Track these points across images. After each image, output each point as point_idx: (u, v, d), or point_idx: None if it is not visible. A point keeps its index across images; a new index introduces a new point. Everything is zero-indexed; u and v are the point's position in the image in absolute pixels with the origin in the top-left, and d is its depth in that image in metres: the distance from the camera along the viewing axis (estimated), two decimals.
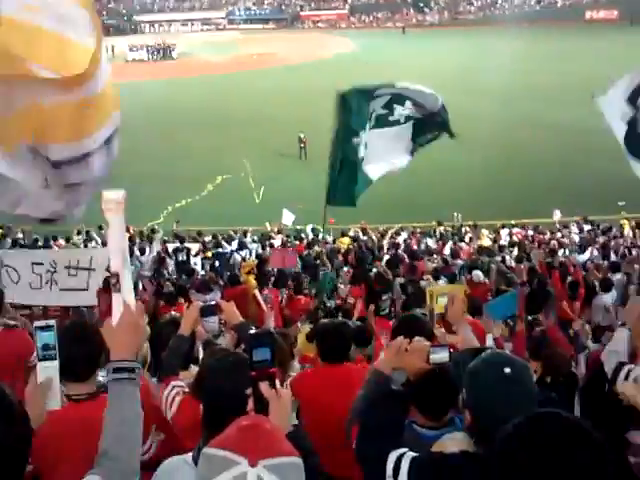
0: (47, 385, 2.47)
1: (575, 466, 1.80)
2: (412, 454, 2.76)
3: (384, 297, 10.15)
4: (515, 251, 17.87)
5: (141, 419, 2.39)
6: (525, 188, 27.52)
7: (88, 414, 3.08)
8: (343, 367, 5.00)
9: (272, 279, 13.21)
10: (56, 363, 2.53)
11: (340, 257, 17.04)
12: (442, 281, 12.41)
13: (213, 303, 4.38)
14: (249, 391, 2.55)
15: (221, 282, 13.39)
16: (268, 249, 18.49)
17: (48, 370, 2.51)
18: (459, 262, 15.57)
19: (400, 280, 12.08)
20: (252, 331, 3.81)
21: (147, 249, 17.88)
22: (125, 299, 2.50)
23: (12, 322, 6.17)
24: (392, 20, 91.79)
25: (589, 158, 30.24)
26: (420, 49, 67.80)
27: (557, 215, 22.70)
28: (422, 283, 11.56)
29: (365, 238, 20.66)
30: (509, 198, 26.35)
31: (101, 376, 3.67)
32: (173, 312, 8.63)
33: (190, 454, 2.79)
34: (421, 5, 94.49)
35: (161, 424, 4.05)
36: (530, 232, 21.83)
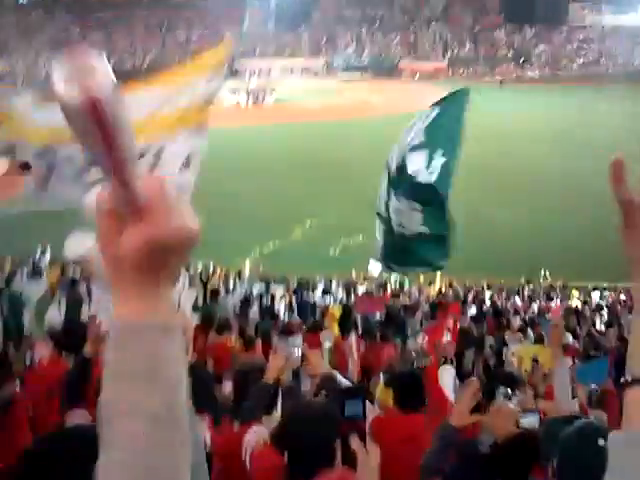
0: None
1: None
2: None
3: (466, 352, 10.02)
4: (605, 315, 17.39)
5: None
6: (621, 250, 26.84)
7: None
8: (420, 416, 4.91)
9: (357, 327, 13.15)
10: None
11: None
12: (528, 341, 12.14)
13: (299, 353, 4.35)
14: (337, 445, 2.50)
15: (304, 328, 13.38)
16: (352, 297, 18.48)
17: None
18: (547, 322, 15.21)
19: (490, 339, 11.85)
20: (342, 383, 3.76)
21: (232, 290, 18.08)
22: None
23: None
24: (491, 74, 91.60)
25: None
26: (517, 103, 67.22)
27: None
28: (508, 341, 11.34)
29: (450, 291, 20.48)
30: (602, 260, 25.77)
31: None
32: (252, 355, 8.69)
33: None
34: (521, 60, 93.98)
35: (236, 468, 4.02)
36: (622, 296, 21.23)
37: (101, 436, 1.11)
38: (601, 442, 2.52)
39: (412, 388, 5.09)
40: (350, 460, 2.46)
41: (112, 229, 1.11)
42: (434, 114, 8.92)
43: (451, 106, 9.17)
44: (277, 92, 76.81)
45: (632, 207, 1.41)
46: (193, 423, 1.90)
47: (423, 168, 8.48)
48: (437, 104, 9.26)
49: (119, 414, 1.08)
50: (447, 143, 8.71)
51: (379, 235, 9.40)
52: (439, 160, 8.46)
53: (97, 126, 0.96)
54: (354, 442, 2.46)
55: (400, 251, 9.25)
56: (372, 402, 5.99)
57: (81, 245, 1.90)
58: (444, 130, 8.78)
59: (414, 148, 8.67)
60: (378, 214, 9.47)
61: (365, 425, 2.54)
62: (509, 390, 3.10)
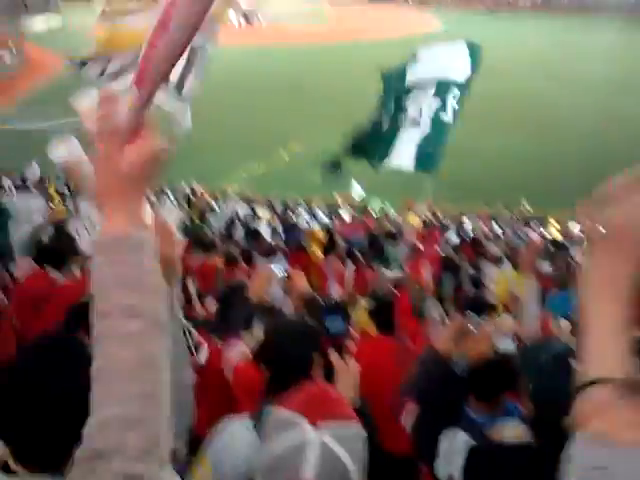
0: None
1: None
2: (467, 438, 2.75)
3: (445, 280, 10.13)
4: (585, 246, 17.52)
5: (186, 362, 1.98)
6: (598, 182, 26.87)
7: None
8: (390, 339, 5.03)
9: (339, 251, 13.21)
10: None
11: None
12: (507, 267, 12.23)
13: (283, 272, 4.41)
14: (317, 359, 2.56)
15: (287, 249, 13.44)
16: (335, 220, 18.51)
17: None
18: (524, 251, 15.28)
19: (467, 266, 11.96)
20: (324, 301, 3.82)
21: (218, 211, 18.07)
22: None
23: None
24: (483, 1, 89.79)
25: None
26: (508, 32, 66.23)
27: None
28: (484, 265, 11.44)
29: (431, 217, 20.54)
30: (584, 192, 25.77)
31: None
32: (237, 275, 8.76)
33: (250, 416, 2.81)
34: None
35: (221, 385, 4.11)
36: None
37: (96, 337, 1.26)
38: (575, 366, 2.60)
39: (384, 312, 5.21)
40: (330, 375, 2.53)
41: (114, 146, 1.31)
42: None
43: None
44: (266, 13, 75.20)
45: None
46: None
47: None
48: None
49: (115, 317, 1.24)
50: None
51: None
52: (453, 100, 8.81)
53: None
54: (333, 356, 2.52)
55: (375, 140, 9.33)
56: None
57: (65, 149, 1.91)
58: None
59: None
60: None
61: (345, 341, 2.60)
62: (477, 316, 3.16)
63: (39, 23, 53.70)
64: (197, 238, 12.08)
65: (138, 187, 1.34)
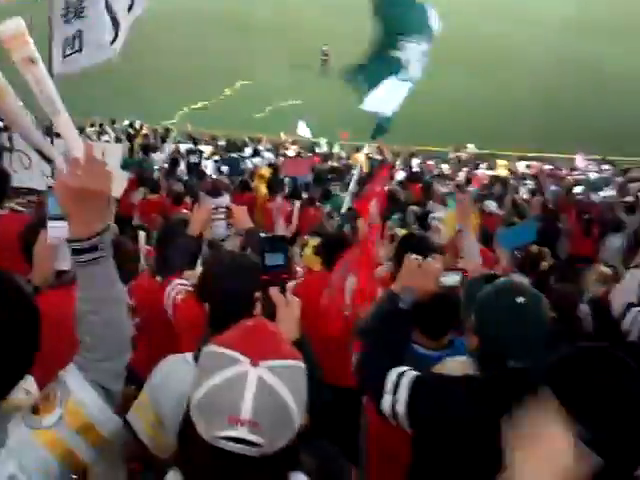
0: (56, 245, 2.35)
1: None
2: (413, 372, 2.74)
3: (394, 217, 10.14)
4: (530, 184, 17.75)
5: (120, 298, 2.05)
6: (551, 124, 27.14)
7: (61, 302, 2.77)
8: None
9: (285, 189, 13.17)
10: (66, 223, 2.12)
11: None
12: (452, 208, 12.30)
13: (224, 208, 4.32)
14: (257, 294, 2.51)
15: (231, 187, 13.33)
16: (281, 159, 18.41)
17: (57, 230, 2.36)
18: (472, 190, 15.44)
19: (414, 208, 11.96)
20: (265, 235, 3.75)
21: (160, 148, 17.83)
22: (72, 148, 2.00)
23: (19, 207, 6.14)
24: None
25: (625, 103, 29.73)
26: None
27: (580, 160, 22.26)
28: (432, 205, 11.48)
29: (379, 157, 20.52)
30: (531, 132, 26.05)
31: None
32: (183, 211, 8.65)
33: (190, 353, 2.77)
34: None
35: (159, 320, 4.06)
36: (547, 167, 21.65)
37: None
38: (519, 299, 2.58)
39: (331, 249, 5.20)
40: (270, 311, 2.48)
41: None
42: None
43: None
44: None
45: None
46: None
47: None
48: None
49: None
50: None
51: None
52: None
53: None
54: (273, 291, 2.48)
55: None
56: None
57: None
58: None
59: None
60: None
61: (285, 277, 2.54)
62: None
63: None
64: (140, 175, 11.92)
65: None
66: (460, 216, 4.95)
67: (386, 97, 8.93)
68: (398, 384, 2.70)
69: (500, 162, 21.14)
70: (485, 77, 32.72)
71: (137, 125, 21.67)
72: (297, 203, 11.48)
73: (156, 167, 15.54)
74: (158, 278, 4.62)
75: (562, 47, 38.52)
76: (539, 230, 9.06)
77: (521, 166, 21.21)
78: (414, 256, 3.05)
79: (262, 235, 3.84)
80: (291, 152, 20.25)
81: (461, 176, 18.67)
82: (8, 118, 1.96)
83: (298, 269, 6.99)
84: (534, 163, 22.09)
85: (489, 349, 2.65)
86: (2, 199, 6.11)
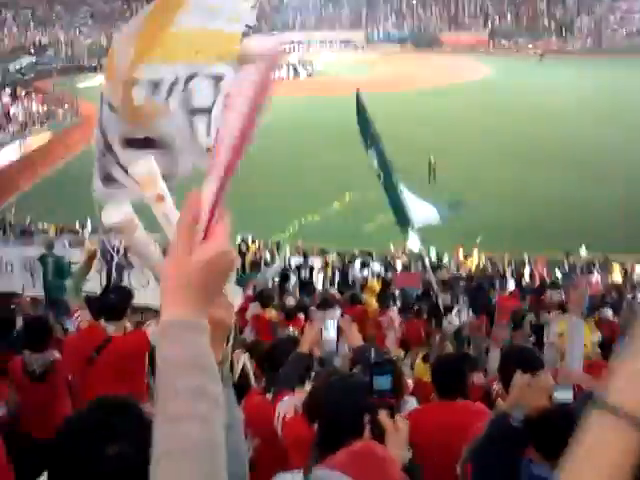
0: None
1: None
2: None
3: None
4: None
5: (239, 426, 2.02)
6: None
7: None
8: (458, 404, 4.87)
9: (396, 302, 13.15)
10: None
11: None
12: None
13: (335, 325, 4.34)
14: (367, 418, 2.50)
15: (341, 301, 13.40)
16: (390, 271, 18.45)
17: None
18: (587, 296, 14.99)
19: (530, 316, 11.71)
20: (373, 357, 3.73)
21: (271, 263, 18.19)
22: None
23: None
24: (533, 47, 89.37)
25: None
26: (558, 76, 65.89)
27: None
28: (546, 316, 11.20)
29: (489, 265, 20.34)
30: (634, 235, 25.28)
31: None
32: (291, 328, 8.74)
33: (299, 471, 2.75)
34: (563, 30, 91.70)
35: (269, 438, 4.07)
36: None
37: (164, 418, 1.28)
38: None
39: (452, 375, 5.02)
40: (378, 434, 2.46)
41: (186, 245, 1.36)
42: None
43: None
44: (316, 65, 76.38)
45: None
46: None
47: None
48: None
49: (184, 397, 1.27)
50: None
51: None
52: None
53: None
54: (382, 416, 2.46)
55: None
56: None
57: (118, 213, 1.93)
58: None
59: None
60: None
61: (393, 400, 2.53)
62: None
63: (91, 80, 55.31)
64: (256, 291, 12.14)
65: (203, 285, 1.40)
66: (572, 302, 4.74)
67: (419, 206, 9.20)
68: None
69: (615, 266, 20.51)
70: (587, 181, 32.22)
71: (249, 241, 22.19)
72: (396, 314, 11.47)
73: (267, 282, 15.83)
74: (269, 396, 4.65)
75: None
76: None
77: (637, 270, 20.54)
78: (524, 375, 3.00)
79: (371, 357, 3.83)
80: (399, 264, 20.26)
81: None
82: (135, 248, 2.05)
83: (409, 382, 6.89)
84: None
85: None
86: (122, 315, 6.40)
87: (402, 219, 9.51)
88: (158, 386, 1.30)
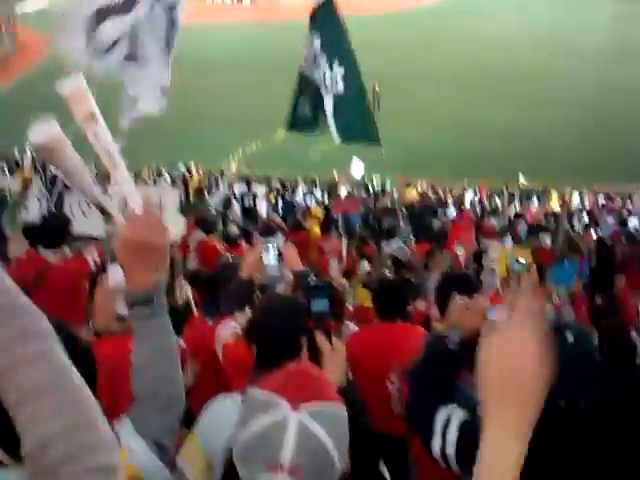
0: (118, 290, 2.34)
1: None
2: (462, 413, 2.71)
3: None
4: (585, 218, 17.50)
5: (173, 352, 2.04)
6: (603, 153, 26.80)
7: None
8: (397, 327, 4.96)
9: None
10: None
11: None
12: (507, 242, 12.18)
13: (275, 250, 4.35)
14: (303, 340, 2.52)
15: (285, 227, 13.40)
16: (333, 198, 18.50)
17: (118, 275, 2.35)
18: (524, 224, 15.28)
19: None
20: (312, 281, 3.75)
21: (214, 190, 18.05)
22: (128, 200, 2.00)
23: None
24: None
25: None
26: (509, 3, 65.29)
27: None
28: (486, 242, 11.38)
29: (430, 192, 20.51)
30: (582, 163, 25.71)
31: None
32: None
33: (239, 394, 2.78)
34: None
35: (211, 363, 4.09)
36: (601, 199, 21.34)
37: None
38: (570, 338, 2.56)
39: (393, 298, 5.10)
40: (316, 356, 2.48)
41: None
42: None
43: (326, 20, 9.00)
44: None
45: None
46: None
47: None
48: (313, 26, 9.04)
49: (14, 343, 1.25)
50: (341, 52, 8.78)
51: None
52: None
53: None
54: (319, 338, 2.48)
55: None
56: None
57: (46, 132, 1.88)
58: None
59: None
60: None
61: (331, 323, 2.55)
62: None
63: (28, 5, 53.19)
64: (199, 218, 12.06)
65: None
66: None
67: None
68: (447, 425, 2.68)
69: (553, 195, 20.87)
70: (536, 109, 32.44)
71: (193, 168, 21.98)
72: (345, 241, 11.50)
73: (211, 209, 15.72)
74: (209, 321, 4.67)
75: (609, 77, 38.15)
76: (594, 265, 8.92)
77: (575, 199, 20.93)
78: (461, 297, 3.04)
79: (309, 280, 3.85)
80: (343, 191, 20.29)
81: (513, 210, 18.50)
82: (65, 171, 1.99)
83: (349, 307, 6.97)
84: (588, 195, 21.82)
85: None
86: (61, 243, 6.30)
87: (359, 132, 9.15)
88: None
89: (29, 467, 1.21)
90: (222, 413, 2.70)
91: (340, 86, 8.54)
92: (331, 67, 8.55)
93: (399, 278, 6.99)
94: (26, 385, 1.22)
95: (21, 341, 1.24)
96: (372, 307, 5.45)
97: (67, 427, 1.21)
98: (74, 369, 1.30)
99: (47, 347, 1.28)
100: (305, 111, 9.45)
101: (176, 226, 9.46)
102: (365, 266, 10.00)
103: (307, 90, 9.15)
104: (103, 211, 2.18)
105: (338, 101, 8.66)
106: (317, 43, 8.61)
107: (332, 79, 8.63)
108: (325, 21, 8.74)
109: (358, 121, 8.81)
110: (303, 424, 1.58)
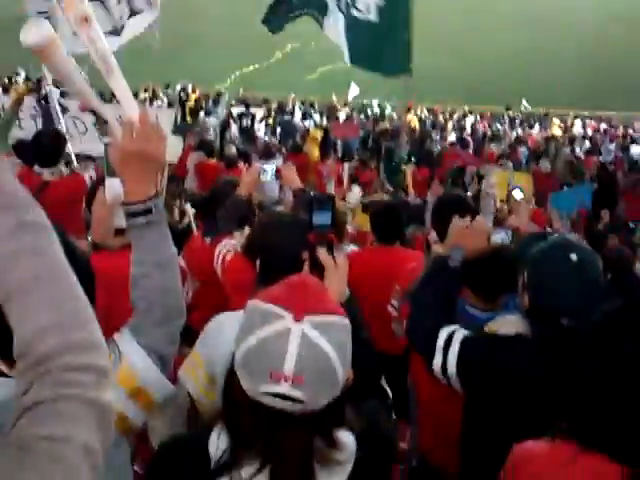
0: (115, 202, 2.31)
1: None
2: (464, 332, 2.69)
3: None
4: (587, 143, 17.39)
5: (173, 263, 2.03)
6: (604, 80, 26.55)
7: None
8: (394, 250, 4.93)
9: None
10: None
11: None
12: (508, 166, 12.11)
13: (273, 169, 4.31)
14: (305, 255, 2.48)
15: (283, 150, 13.32)
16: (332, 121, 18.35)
17: (115, 187, 2.32)
18: (525, 149, 15.20)
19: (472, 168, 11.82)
20: (314, 194, 3.70)
21: (212, 110, 17.89)
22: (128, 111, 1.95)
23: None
24: None
25: None
26: None
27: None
28: (486, 167, 11.32)
29: (431, 117, 20.33)
30: (586, 89, 25.47)
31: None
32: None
33: (241, 311, 2.75)
34: None
35: (210, 281, 4.08)
36: (603, 125, 21.19)
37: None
38: (573, 256, 2.52)
39: (390, 220, 5.07)
40: (318, 270, 2.44)
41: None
42: None
43: None
44: None
45: None
46: None
47: None
48: None
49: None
50: None
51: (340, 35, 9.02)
52: None
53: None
54: (321, 252, 2.44)
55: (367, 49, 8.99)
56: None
57: (38, 33, 1.80)
58: None
59: None
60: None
61: (333, 237, 2.50)
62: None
63: None
64: (199, 140, 11.97)
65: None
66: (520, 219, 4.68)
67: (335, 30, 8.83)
68: (449, 344, 2.67)
69: (555, 121, 20.72)
70: (535, 34, 32.03)
71: (189, 90, 21.73)
72: (346, 165, 11.42)
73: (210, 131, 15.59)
74: (207, 239, 4.64)
75: (609, 3, 37.58)
76: (595, 191, 8.84)
77: (576, 125, 20.79)
78: (461, 218, 2.99)
79: (310, 194, 3.81)
80: (342, 114, 20.12)
81: (514, 135, 18.39)
82: (60, 74, 1.93)
83: (349, 229, 6.94)
84: (590, 122, 21.68)
85: (541, 307, 2.59)
86: (58, 160, 6.22)
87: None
88: None
89: (19, 365, 1.18)
90: (224, 328, 2.69)
91: (372, 15, 8.40)
92: None
93: (397, 201, 6.93)
94: (21, 276, 1.20)
95: (19, 232, 1.22)
96: (370, 232, 5.43)
97: (57, 323, 1.19)
98: (70, 268, 1.27)
99: (44, 241, 1.26)
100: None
101: (173, 147, 9.34)
102: (356, 192, 9.91)
103: None
104: (99, 119, 2.13)
105: (358, 24, 8.54)
106: None
107: (350, 2, 8.52)
108: None
109: (390, 52, 8.70)
110: (306, 334, 1.55)
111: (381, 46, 8.63)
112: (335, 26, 8.95)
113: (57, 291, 1.22)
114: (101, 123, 7.76)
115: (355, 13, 8.56)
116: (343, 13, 8.71)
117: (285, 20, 9.45)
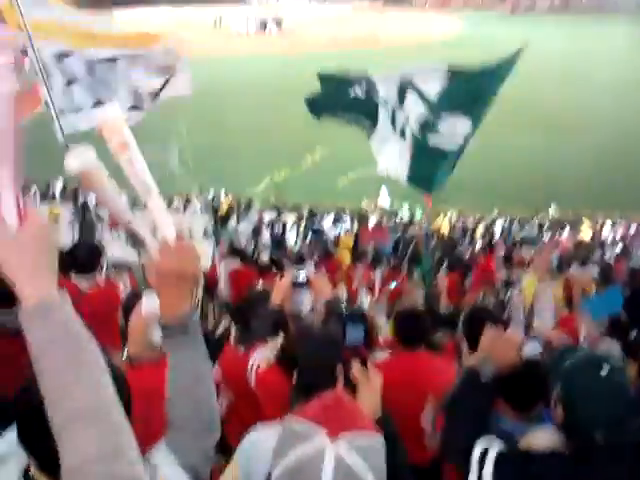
0: (152, 317, 2.34)
1: None
2: (498, 448, 2.67)
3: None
4: (617, 248, 17.33)
5: (208, 378, 2.06)
6: (630, 180, 26.59)
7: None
8: (418, 356, 4.86)
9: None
10: None
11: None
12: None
13: (304, 278, 4.35)
14: (340, 369, 2.49)
15: (315, 256, 13.42)
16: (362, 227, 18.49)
17: (152, 302, 2.33)
18: (556, 254, 15.14)
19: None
20: (346, 309, 3.74)
21: (243, 217, 18.15)
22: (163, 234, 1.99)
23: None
24: (502, 3, 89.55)
25: None
26: (526, 34, 65.45)
27: None
28: (517, 273, 11.28)
29: (461, 221, 20.44)
30: (611, 191, 25.51)
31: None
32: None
33: (276, 425, 2.75)
34: None
35: (244, 390, 4.08)
36: (633, 228, 21.13)
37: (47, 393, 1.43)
38: (604, 372, 2.53)
39: (413, 325, 5.01)
40: (351, 385, 2.46)
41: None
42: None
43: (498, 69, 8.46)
44: (284, 20, 75.59)
45: None
46: None
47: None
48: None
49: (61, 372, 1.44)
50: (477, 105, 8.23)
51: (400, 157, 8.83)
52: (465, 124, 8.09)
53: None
54: (355, 367, 2.46)
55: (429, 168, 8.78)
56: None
57: (81, 159, 1.89)
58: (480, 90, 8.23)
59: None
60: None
61: (365, 351, 2.53)
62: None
63: None
64: (233, 247, 12.08)
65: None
66: (539, 269, 4.73)
67: (393, 157, 8.68)
68: (483, 460, 2.65)
69: (585, 225, 20.71)
70: (556, 139, 32.37)
71: (221, 196, 22.11)
72: (378, 272, 11.43)
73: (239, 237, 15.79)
74: (241, 348, 4.66)
75: (628, 106, 38.00)
76: (627, 297, 8.73)
77: (606, 228, 20.75)
78: (494, 327, 3.01)
79: (343, 310, 3.84)
80: (372, 219, 20.31)
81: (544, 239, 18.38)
82: (101, 199, 2.01)
83: (380, 340, 6.91)
84: (620, 221, 21.64)
85: (575, 421, 2.59)
86: (94, 270, 6.34)
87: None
88: (37, 369, 1.44)
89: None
90: (261, 441, 2.68)
91: (457, 138, 8.04)
92: (438, 114, 8.05)
93: (424, 308, 6.92)
94: (78, 406, 1.38)
95: (76, 367, 1.41)
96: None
97: (103, 455, 1.35)
98: (117, 399, 1.44)
99: (98, 373, 1.44)
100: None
101: (205, 253, 9.45)
102: (364, 297, 9.89)
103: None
104: (135, 238, 2.19)
105: (430, 151, 8.24)
106: (425, 85, 8.08)
107: (420, 124, 8.12)
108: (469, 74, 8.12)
109: (442, 175, 8.58)
110: (341, 455, 1.56)
111: (440, 170, 8.55)
112: (383, 143, 8.87)
113: (106, 425, 1.38)
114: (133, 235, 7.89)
115: (432, 140, 8.21)
116: (403, 134, 8.53)
117: (329, 114, 9.39)
